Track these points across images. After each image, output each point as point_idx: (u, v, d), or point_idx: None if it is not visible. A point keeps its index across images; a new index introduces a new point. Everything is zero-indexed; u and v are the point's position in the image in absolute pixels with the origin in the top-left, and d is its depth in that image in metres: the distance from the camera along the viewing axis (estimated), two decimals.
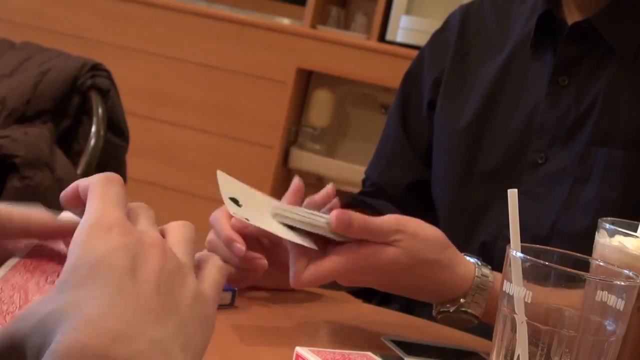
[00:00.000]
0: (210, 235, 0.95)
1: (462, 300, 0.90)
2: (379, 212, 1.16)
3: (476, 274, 0.91)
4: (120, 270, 0.47)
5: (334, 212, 0.85)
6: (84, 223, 0.50)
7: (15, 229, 0.57)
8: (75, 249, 0.48)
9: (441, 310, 0.91)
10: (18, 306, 0.53)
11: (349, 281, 0.88)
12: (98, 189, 0.52)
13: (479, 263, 0.92)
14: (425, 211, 1.24)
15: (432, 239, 0.89)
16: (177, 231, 0.54)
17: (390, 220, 0.88)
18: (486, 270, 0.92)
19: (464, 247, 0.95)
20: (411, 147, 1.27)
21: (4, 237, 0.57)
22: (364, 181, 1.33)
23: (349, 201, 1.27)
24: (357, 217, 0.85)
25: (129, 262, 0.47)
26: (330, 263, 0.85)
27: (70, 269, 0.47)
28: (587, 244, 0.80)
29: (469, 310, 0.90)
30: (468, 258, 0.93)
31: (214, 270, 0.53)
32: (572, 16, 1.16)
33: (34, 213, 0.58)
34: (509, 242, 0.67)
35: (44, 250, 0.58)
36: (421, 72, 1.29)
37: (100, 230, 0.49)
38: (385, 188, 1.28)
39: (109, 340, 0.43)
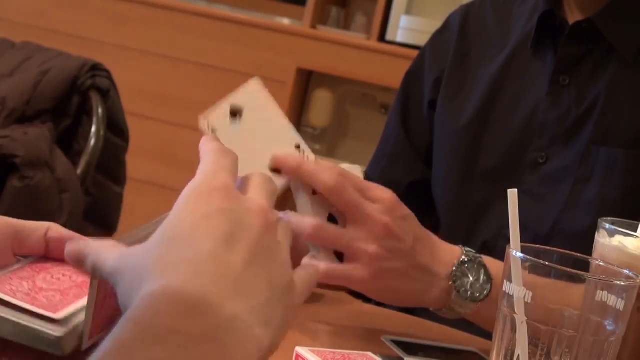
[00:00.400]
0: None
1: (463, 255, 0.92)
2: None
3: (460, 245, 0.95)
4: (217, 235, 0.46)
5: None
6: (191, 183, 0.50)
7: (34, 243, 0.58)
8: (177, 207, 0.48)
9: (452, 272, 0.91)
10: (26, 289, 0.53)
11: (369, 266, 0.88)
12: (211, 155, 0.52)
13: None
14: (426, 211, 1.24)
15: None
16: (286, 223, 0.53)
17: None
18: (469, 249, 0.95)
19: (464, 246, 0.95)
20: (412, 147, 1.28)
21: (21, 250, 0.58)
22: None
23: None
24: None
25: (228, 227, 0.46)
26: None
27: (170, 224, 0.47)
28: (588, 243, 0.80)
29: (477, 257, 0.92)
30: None
31: (307, 275, 0.52)
32: (573, 16, 1.16)
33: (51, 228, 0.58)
34: (509, 241, 0.67)
35: (48, 259, 0.59)
36: (422, 71, 1.29)
37: (205, 192, 0.48)
38: (386, 187, 1.28)
39: (183, 312, 0.42)
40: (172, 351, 0.40)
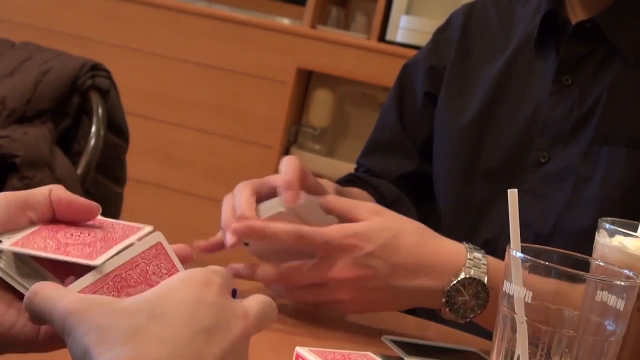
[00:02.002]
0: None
1: (464, 268, 0.90)
2: (378, 191, 1.20)
3: (467, 248, 0.93)
4: (199, 325, 0.47)
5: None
6: (190, 270, 0.51)
7: (42, 207, 0.58)
8: (170, 283, 0.50)
9: (448, 289, 0.90)
10: (54, 246, 0.55)
11: (345, 283, 0.89)
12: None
13: (465, 243, 0.94)
14: (418, 203, 1.25)
15: (411, 219, 0.94)
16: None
17: (369, 203, 0.93)
18: (476, 248, 0.94)
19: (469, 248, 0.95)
20: (407, 138, 1.28)
21: (28, 217, 0.58)
22: (356, 169, 1.33)
23: (347, 178, 1.27)
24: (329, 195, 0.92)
25: (211, 322, 0.48)
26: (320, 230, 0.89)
27: (157, 297, 0.48)
28: (589, 241, 0.80)
29: (475, 277, 0.90)
30: None
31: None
32: (575, 15, 1.16)
33: None
34: None
35: (59, 222, 0.59)
36: (417, 64, 1.30)
37: (201, 281, 0.50)
38: (380, 176, 1.28)
39: None
40: None
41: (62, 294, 0.50)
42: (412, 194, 1.25)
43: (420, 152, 1.27)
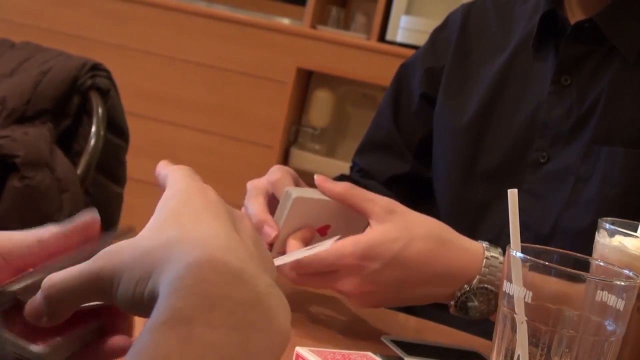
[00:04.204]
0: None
1: (478, 275, 0.89)
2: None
3: (485, 247, 0.91)
4: (224, 220, 0.48)
5: (316, 176, 0.89)
6: (176, 187, 0.51)
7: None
8: (168, 201, 0.50)
9: (459, 295, 0.90)
10: None
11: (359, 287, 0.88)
12: (179, 171, 0.54)
13: (484, 242, 0.92)
14: (409, 204, 1.25)
15: (426, 218, 0.91)
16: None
17: (383, 198, 0.90)
18: (494, 246, 0.92)
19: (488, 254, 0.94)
20: (402, 140, 1.28)
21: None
22: (351, 168, 1.33)
23: (338, 179, 1.27)
24: (343, 183, 0.89)
25: (230, 216, 0.49)
26: (334, 248, 0.86)
27: (170, 210, 0.49)
28: (589, 241, 0.80)
29: (488, 287, 0.89)
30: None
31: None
32: (574, 15, 1.16)
33: None
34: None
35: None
36: (414, 65, 1.30)
37: (197, 188, 0.51)
38: (373, 175, 1.28)
39: (231, 281, 0.44)
40: (225, 316, 0.42)
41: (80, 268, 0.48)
42: (404, 196, 1.25)
43: (415, 153, 1.27)
